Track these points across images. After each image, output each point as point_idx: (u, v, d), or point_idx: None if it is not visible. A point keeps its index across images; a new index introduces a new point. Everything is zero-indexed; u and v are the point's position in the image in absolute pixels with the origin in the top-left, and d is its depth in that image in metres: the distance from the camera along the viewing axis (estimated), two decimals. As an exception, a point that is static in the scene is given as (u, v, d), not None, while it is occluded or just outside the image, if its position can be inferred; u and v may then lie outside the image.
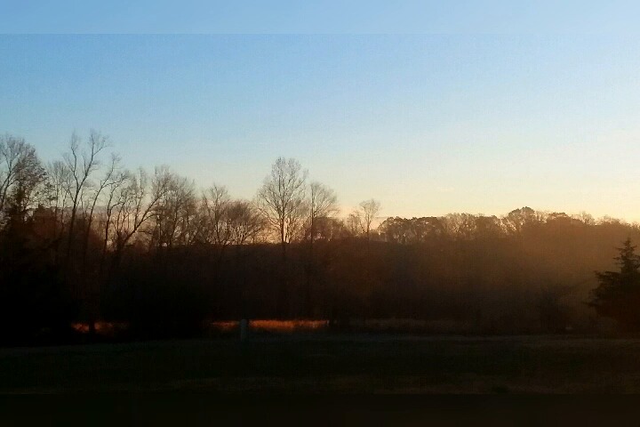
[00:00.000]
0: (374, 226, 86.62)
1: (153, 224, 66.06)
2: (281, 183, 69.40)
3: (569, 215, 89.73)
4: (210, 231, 69.40)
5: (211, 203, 69.28)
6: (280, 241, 70.64)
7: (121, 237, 64.00)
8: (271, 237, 72.81)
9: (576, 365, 17.85)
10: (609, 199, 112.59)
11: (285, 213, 69.95)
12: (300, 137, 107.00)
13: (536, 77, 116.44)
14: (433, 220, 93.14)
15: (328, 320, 51.58)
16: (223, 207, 69.58)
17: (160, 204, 64.85)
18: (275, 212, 70.02)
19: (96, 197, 61.03)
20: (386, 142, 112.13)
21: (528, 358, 21.14)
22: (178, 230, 68.22)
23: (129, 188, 62.69)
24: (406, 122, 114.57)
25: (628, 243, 44.14)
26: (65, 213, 61.85)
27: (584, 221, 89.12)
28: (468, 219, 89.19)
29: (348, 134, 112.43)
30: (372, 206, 78.07)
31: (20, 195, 55.73)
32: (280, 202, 69.58)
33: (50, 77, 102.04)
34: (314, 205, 69.81)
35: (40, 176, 58.49)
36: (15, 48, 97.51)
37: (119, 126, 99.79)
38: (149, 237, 67.42)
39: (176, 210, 66.15)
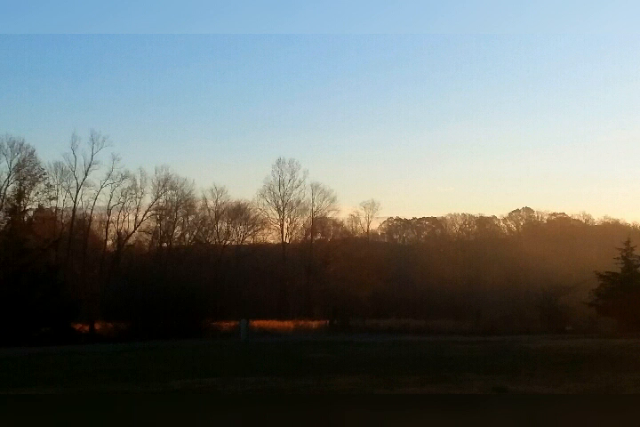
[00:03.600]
0: (374, 226, 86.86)
1: (153, 224, 66.18)
2: (281, 183, 69.49)
3: (569, 215, 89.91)
4: (210, 231, 69.39)
5: (211, 203, 69.39)
6: (280, 241, 70.68)
7: (121, 237, 64.00)
8: (271, 237, 72.93)
9: (576, 365, 17.85)
10: (609, 199, 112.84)
11: (285, 213, 70.02)
12: (300, 137, 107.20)
13: (536, 77, 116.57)
14: (433, 220, 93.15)
15: (328, 320, 51.56)
16: (223, 207, 69.66)
17: (160, 204, 64.97)
18: (275, 212, 70.12)
19: (96, 197, 61.21)
20: (386, 142, 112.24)
21: (528, 358, 21.14)
22: (178, 230, 68.30)
23: (129, 188, 62.88)
24: (406, 122, 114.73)
25: (628, 243, 44.12)
26: (65, 213, 61.95)
27: (584, 221, 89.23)
28: (468, 219, 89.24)
29: (348, 134, 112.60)
30: (371, 206, 78.30)
31: (20, 195, 55.79)
32: (280, 202, 69.66)
33: (50, 77, 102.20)
34: (314, 205, 69.92)
35: (40, 176, 58.63)
36: (15, 48, 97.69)
37: (119, 126, 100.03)
38: (149, 237, 67.47)
39: (176, 210, 66.17)
